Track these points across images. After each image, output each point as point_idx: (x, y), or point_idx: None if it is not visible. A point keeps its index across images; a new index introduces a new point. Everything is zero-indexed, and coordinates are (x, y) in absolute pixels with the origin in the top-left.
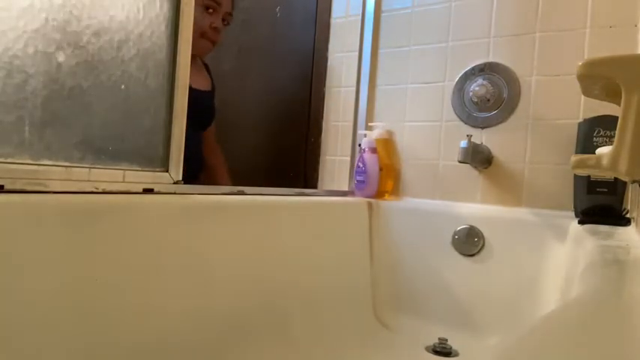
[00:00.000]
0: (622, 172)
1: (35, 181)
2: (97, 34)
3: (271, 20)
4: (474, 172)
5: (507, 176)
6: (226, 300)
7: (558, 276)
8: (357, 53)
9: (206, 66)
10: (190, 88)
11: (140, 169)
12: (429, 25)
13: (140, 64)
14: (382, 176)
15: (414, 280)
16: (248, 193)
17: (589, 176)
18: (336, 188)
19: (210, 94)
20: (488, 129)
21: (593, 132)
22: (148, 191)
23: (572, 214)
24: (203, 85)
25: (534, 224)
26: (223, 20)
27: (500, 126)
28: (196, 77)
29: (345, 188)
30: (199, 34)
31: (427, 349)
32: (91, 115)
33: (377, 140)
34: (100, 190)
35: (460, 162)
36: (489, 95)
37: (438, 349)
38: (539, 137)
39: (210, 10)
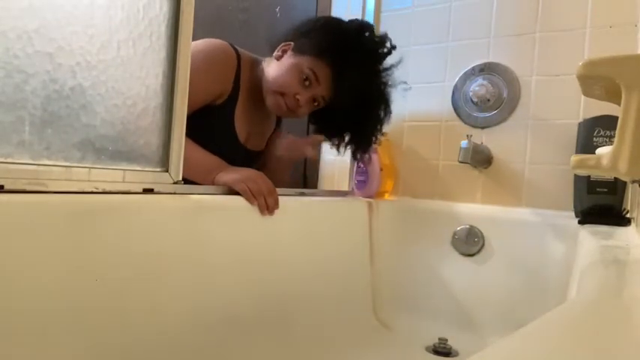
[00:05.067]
0: (622, 172)
1: (35, 181)
2: (96, 34)
3: (271, 20)
4: (474, 172)
5: (507, 176)
6: (226, 300)
7: (558, 276)
8: None
9: (278, 122)
10: (238, 142)
11: (140, 169)
12: (429, 25)
13: (140, 64)
14: (382, 176)
15: (413, 280)
16: None
17: (589, 176)
18: (336, 188)
19: (257, 155)
20: (488, 129)
21: (593, 132)
22: (148, 191)
23: (572, 214)
24: (258, 145)
25: (534, 224)
26: (314, 101)
27: (500, 126)
28: (256, 138)
29: (345, 188)
30: (281, 93)
31: (427, 349)
32: (91, 115)
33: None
34: (100, 190)
35: (460, 162)
36: (489, 95)
37: (438, 349)
38: (539, 137)
39: (307, 83)
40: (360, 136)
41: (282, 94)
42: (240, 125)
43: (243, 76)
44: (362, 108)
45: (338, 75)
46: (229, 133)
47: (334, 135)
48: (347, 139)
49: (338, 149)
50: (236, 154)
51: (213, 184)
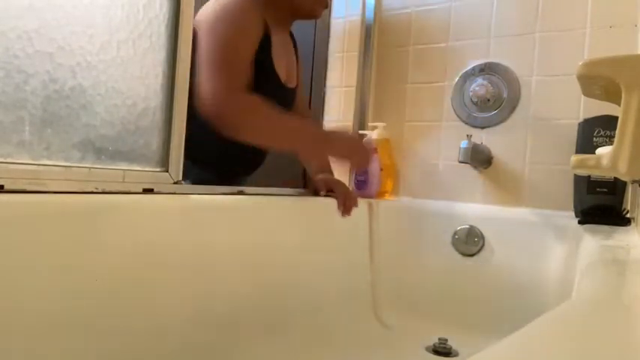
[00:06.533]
0: (622, 172)
1: (35, 181)
2: (96, 34)
3: None
4: (474, 172)
5: (507, 176)
6: (226, 300)
7: (558, 276)
8: (356, 53)
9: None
10: (282, 85)
11: (140, 169)
12: (429, 25)
13: (140, 64)
14: (382, 176)
15: (413, 280)
16: (248, 193)
17: (589, 176)
18: None
19: (294, 92)
20: (488, 129)
21: (593, 132)
22: (148, 191)
23: (572, 214)
24: (293, 79)
25: (534, 224)
26: None
27: (501, 126)
28: (291, 73)
29: None
30: None
31: (427, 349)
32: (91, 115)
33: (377, 140)
34: (100, 190)
35: (460, 162)
36: (489, 95)
37: (438, 349)
38: (539, 137)
39: None
40: None
41: None
42: (279, 64)
43: (267, 10)
44: None
45: None
46: (272, 77)
47: None
48: None
49: None
50: (280, 98)
51: (320, 158)
